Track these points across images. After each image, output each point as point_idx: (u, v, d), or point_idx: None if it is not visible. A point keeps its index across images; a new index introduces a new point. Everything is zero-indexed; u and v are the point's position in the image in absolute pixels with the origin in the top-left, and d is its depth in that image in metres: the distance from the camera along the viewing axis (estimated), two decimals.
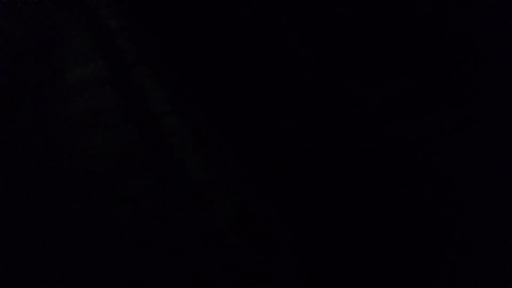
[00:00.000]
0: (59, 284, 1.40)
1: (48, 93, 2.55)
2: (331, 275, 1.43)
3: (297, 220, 1.62)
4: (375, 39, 2.31)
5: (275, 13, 2.84)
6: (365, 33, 2.35)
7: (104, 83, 2.55)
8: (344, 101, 1.98)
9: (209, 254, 1.48)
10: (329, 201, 1.68)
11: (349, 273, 1.44)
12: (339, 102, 1.99)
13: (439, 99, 2.02)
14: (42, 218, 1.69)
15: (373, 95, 2.02)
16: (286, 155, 1.89)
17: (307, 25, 2.47)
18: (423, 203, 1.66)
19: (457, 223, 1.58)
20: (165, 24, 3.35)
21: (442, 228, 1.57)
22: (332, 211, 1.65)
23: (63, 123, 2.21)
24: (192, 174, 1.81)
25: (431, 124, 1.94)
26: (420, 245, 1.53)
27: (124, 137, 2.04)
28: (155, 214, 1.65)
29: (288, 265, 1.44)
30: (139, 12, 3.69)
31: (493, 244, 1.51)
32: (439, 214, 1.62)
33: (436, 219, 1.61)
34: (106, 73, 2.68)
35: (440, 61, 2.19)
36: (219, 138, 2.01)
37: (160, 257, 1.48)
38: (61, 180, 1.85)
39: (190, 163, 1.87)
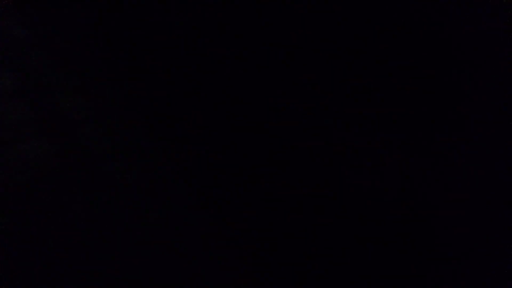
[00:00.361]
0: None
1: None
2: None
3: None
4: (374, 39, 2.31)
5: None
6: (360, 33, 2.35)
7: (16, 95, 2.48)
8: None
9: None
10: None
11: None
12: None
13: (439, 99, 2.01)
14: None
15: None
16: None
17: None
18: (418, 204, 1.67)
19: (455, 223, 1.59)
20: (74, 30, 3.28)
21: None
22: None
23: None
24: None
25: (431, 124, 1.94)
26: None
27: (40, 148, 2.03)
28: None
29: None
30: (53, 23, 3.52)
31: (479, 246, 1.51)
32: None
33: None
34: (17, 85, 2.59)
35: (440, 61, 2.18)
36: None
37: None
38: None
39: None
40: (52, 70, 2.72)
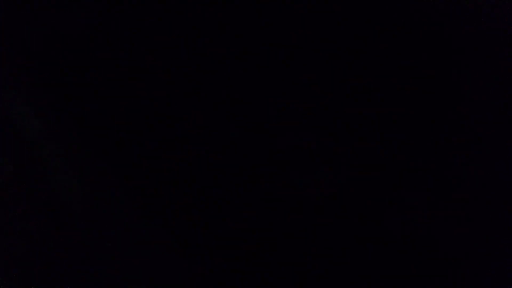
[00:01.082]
0: None
1: None
2: None
3: None
4: (373, 38, 2.32)
5: None
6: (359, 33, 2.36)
7: None
8: None
9: None
10: None
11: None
12: None
13: (439, 100, 2.02)
14: None
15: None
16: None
17: None
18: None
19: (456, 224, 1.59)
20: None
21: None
22: None
23: None
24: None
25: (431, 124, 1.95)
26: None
27: None
28: None
29: None
30: None
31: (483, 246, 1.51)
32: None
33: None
34: None
35: (439, 61, 2.19)
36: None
37: None
38: None
39: None
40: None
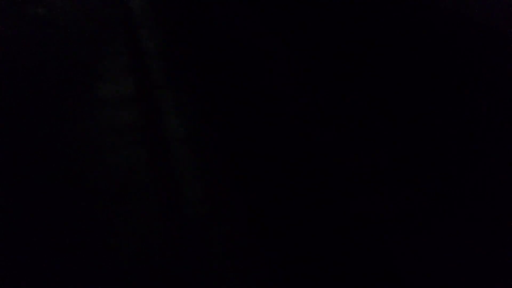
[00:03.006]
0: None
1: (73, 107, 2.71)
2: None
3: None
4: (372, 39, 2.31)
5: None
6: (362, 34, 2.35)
7: (129, 102, 2.71)
8: None
9: None
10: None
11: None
12: None
13: (439, 100, 2.01)
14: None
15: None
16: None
17: None
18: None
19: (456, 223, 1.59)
20: (196, 52, 3.50)
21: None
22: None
23: (83, 139, 2.36)
24: (189, 206, 1.91)
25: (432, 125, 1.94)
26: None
27: (134, 159, 2.17)
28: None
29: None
30: (177, 37, 3.86)
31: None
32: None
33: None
34: (133, 92, 2.85)
35: (439, 62, 2.17)
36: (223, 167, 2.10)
37: None
38: (71, 191, 1.99)
39: (189, 193, 1.97)
40: (166, 86, 2.93)
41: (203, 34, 3.85)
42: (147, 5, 4.87)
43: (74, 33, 4.00)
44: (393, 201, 1.73)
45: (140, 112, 2.64)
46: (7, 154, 2.25)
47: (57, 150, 2.30)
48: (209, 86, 2.86)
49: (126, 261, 1.60)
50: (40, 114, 2.60)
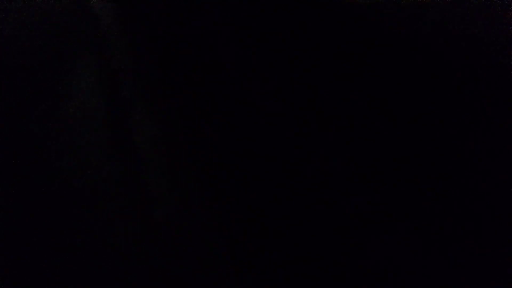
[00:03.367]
0: None
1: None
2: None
3: None
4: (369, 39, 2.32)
5: None
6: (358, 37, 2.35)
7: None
8: None
9: None
10: None
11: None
12: None
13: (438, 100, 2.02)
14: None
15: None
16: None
17: None
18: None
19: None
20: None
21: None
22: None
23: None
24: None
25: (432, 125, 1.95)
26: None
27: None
28: None
29: None
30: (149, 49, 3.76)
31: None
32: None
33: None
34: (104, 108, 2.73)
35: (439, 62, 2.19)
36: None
37: None
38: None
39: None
40: (138, 99, 2.79)
41: (177, 40, 3.78)
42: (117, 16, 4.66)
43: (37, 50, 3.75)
44: (392, 201, 1.72)
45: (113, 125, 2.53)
46: None
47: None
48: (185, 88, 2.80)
49: (90, 262, 1.56)
50: None
